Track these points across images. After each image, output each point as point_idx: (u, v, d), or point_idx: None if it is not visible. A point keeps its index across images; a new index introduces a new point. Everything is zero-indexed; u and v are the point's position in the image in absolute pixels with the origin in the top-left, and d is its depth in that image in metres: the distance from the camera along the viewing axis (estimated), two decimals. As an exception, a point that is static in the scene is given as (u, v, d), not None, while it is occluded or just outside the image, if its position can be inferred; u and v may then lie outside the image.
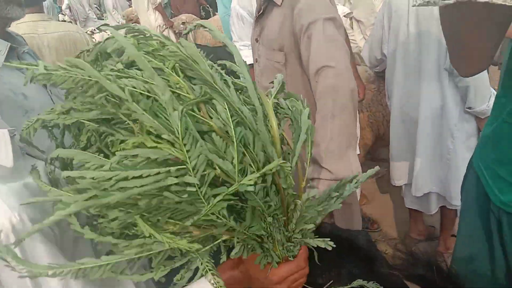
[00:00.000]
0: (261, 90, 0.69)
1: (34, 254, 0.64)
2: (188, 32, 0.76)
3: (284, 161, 0.65)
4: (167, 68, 0.64)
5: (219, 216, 0.64)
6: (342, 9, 2.88)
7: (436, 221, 2.46)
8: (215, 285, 0.69)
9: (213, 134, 0.63)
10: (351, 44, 2.60)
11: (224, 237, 0.71)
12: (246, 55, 1.81)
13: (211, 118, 0.64)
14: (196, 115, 0.63)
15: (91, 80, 0.59)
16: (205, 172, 0.60)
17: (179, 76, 0.65)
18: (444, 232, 2.29)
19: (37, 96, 1.34)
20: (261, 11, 1.56)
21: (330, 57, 1.28)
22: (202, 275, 0.69)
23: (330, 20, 1.34)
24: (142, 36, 0.70)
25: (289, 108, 0.77)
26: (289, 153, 0.72)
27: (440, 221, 2.33)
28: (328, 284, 0.98)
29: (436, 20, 1.78)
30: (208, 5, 6.78)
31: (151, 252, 0.64)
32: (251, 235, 0.71)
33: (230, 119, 0.63)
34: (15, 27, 1.78)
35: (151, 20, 5.78)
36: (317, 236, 0.78)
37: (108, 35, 0.65)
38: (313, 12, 1.36)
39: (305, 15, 1.37)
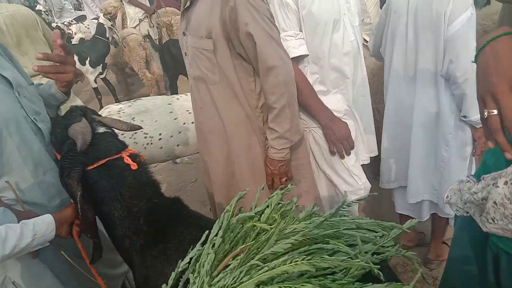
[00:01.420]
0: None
1: None
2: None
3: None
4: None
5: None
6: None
7: (427, 228, 2.44)
8: None
9: None
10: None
11: None
12: (293, 45, 1.68)
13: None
14: None
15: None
16: None
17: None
18: (435, 239, 2.26)
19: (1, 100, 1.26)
20: (188, 4, 1.59)
21: (276, 58, 1.48)
22: None
23: None
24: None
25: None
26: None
27: (431, 227, 2.30)
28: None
29: (435, 26, 1.72)
30: None
31: None
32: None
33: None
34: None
35: (131, 12, 5.59)
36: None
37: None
38: None
39: None
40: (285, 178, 1.74)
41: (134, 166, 1.31)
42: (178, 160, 3.88)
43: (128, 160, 1.31)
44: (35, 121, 1.34)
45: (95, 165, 1.27)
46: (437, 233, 2.24)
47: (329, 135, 1.77)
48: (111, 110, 2.37)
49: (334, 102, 1.81)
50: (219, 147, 1.72)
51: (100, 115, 1.47)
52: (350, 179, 1.85)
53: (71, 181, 1.23)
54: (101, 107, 4.56)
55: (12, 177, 1.28)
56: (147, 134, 2.36)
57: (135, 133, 2.33)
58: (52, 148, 1.40)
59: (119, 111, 2.36)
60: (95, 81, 5.40)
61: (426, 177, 2.02)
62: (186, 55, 1.68)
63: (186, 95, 2.54)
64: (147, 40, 5.17)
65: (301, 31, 1.71)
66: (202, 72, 1.60)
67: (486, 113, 0.76)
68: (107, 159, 1.29)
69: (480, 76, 0.80)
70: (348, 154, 1.82)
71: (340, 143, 1.78)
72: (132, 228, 1.27)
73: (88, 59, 5.21)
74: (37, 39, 2.67)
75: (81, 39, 5.85)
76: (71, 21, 7.89)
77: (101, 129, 1.36)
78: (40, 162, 1.34)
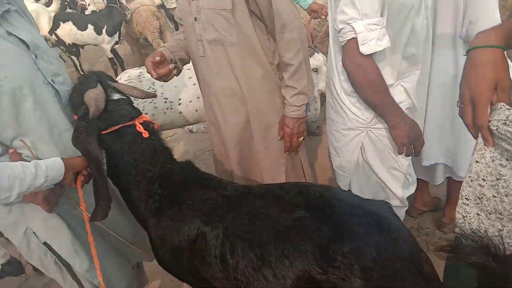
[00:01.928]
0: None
1: None
2: None
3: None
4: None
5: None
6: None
7: (442, 193, 2.47)
8: None
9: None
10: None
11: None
12: (378, 37, 1.36)
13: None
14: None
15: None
16: None
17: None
18: (449, 203, 2.29)
19: (14, 63, 1.29)
20: None
21: (290, 14, 1.52)
22: None
23: None
24: None
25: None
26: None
27: (446, 192, 2.33)
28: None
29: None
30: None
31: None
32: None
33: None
34: None
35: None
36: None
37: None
38: None
39: None
40: (302, 138, 1.78)
41: (145, 134, 1.32)
42: (194, 129, 3.94)
43: (140, 128, 1.32)
44: (52, 83, 1.37)
45: (108, 131, 1.29)
46: (452, 197, 2.27)
47: (400, 136, 1.54)
48: (130, 75, 2.41)
49: (397, 95, 1.60)
50: (236, 110, 1.73)
51: (116, 81, 1.48)
52: (403, 178, 1.73)
53: (87, 145, 1.26)
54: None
55: (29, 137, 1.33)
56: (167, 99, 2.40)
57: (155, 97, 2.37)
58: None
59: (139, 75, 2.40)
60: (111, 51, 5.42)
61: (442, 140, 2.02)
62: (196, 20, 1.62)
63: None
64: (161, 9, 5.15)
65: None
66: (220, 34, 1.59)
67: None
68: (120, 125, 1.31)
69: (464, 72, 0.88)
70: (417, 155, 1.65)
71: (411, 144, 1.57)
72: (147, 192, 1.30)
73: (105, 27, 5.18)
74: None
75: (93, 11, 5.84)
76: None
77: (116, 96, 1.38)
78: (56, 123, 1.38)
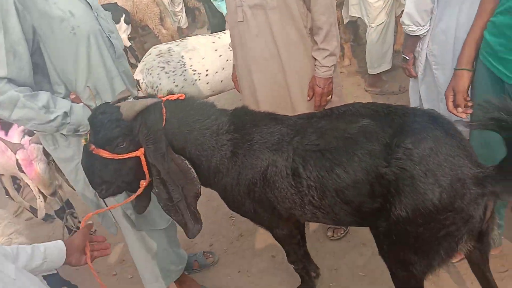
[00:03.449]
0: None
1: None
2: None
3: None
4: None
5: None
6: None
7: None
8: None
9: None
10: None
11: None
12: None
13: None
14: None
15: None
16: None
17: None
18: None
19: (84, 15, 1.51)
20: None
21: None
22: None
23: None
24: None
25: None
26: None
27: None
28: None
29: None
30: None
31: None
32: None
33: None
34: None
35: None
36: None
37: None
38: None
39: None
40: (330, 96, 1.95)
41: (182, 96, 1.47)
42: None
43: (173, 96, 1.46)
44: (109, 37, 1.61)
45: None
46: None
47: None
48: (161, 49, 2.55)
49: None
50: (273, 74, 1.87)
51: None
52: None
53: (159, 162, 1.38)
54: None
55: (94, 83, 1.56)
56: (195, 71, 2.56)
57: (185, 69, 2.53)
58: (121, 60, 1.66)
59: (169, 50, 2.54)
60: (128, 39, 5.30)
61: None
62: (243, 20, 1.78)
63: (225, 33, 2.71)
64: (162, -4, 5.23)
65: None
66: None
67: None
68: (162, 99, 1.45)
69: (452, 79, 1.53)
70: None
71: None
72: (220, 143, 1.42)
73: (123, 16, 5.07)
74: None
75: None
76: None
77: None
78: (110, 70, 1.60)
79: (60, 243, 1.18)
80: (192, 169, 1.39)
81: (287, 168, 1.33)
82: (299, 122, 1.41)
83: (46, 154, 2.24)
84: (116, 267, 2.50)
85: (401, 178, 1.15)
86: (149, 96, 1.51)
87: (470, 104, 1.50)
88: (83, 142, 1.43)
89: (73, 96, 1.54)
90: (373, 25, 3.32)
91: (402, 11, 3.82)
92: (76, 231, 2.57)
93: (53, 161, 2.21)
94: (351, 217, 1.33)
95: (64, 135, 1.55)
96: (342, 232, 2.26)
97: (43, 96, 1.42)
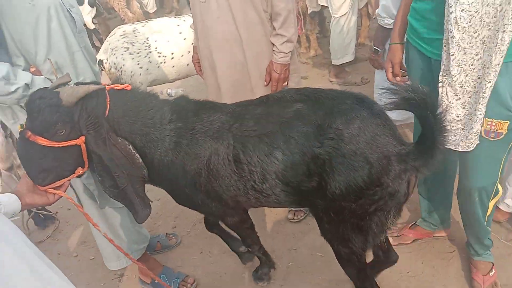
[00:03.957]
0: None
1: None
2: None
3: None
4: None
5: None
6: None
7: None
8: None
9: None
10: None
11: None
12: None
13: None
14: None
15: None
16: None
17: None
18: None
19: None
20: None
21: None
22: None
23: None
24: None
25: None
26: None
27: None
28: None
29: None
30: None
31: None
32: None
33: None
34: None
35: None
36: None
37: None
38: None
39: None
40: (286, 83, 1.99)
41: (128, 86, 1.45)
42: (173, 93, 4.07)
43: (118, 86, 1.44)
44: (70, 11, 1.60)
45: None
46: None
47: None
48: (126, 30, 2.51)
49: None
50: (233, 53, 1.90)
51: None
52: None
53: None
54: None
55: (54, 56, 1.54)
56: (160, 53, 2.54)
57: (150, 52, 2.50)
58: (82, 35, 1.65)
59: (134, 30, 2.51)
60: (92, 22, 5.17)
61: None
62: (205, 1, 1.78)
63: (190, 16, 2.69)
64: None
65: None
66: None
67: None
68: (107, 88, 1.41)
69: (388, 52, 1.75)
70: None
71: None
72: (163, 134, 1.41)
73: None
74: None
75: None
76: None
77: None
78: (71, 44, 1.59)
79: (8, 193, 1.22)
80: (137, 154, 1.37)
81: (228, 155, 1.36)
82: (237, 110, 1.44)
83: (4, 127, 2.19)
84: (78, 249, 2.46)
85: (333, 156, 1.22)
86: (92, 82, 1.48)
87: (406, 74, 1.73)
88: (19, 128, 1.31)
89: (33, 69, 1.51)
90: (336, 15, 3.41)
91: (365, 4, 3.97)
92: (36, 212, 2.54)
93: (11, 136, 2.16)
94: (292, 196, 1.38)
95: (24, 108, 1.52)
96: (302, 215, 2.34)
97: (2, 68, 1.39)
